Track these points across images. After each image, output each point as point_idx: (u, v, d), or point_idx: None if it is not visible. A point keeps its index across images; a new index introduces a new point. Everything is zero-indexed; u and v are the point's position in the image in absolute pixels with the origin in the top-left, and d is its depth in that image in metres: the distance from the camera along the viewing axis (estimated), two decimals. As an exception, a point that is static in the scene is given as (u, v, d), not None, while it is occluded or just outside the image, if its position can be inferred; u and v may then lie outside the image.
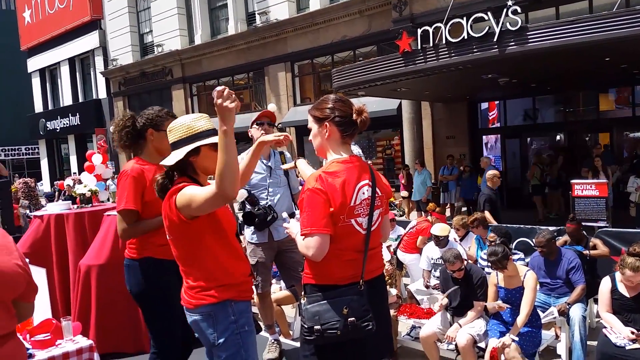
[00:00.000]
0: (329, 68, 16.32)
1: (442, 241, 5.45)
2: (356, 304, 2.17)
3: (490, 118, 14.56)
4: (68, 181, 16.80)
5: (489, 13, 8.80)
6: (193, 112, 20.62)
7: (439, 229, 5.48)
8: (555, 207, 11.81)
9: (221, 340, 2.28)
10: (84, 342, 2.43)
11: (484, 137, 14.56)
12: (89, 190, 4.65)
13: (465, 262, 4.62)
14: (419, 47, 9.30)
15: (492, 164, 11.24)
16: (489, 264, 4.35)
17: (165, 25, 20.64)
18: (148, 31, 22.06)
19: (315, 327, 2.17)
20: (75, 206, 4.69)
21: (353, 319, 2.14)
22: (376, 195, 2.31)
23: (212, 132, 2.30)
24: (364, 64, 10.39)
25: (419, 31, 9.43)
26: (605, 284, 4.12)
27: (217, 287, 2.28)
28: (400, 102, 13.41)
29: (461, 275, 4.55)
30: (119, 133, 2.95)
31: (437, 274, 5.48)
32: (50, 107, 27.74)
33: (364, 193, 2.27)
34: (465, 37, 8.74)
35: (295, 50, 16.68)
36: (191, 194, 2.16)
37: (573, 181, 7.76)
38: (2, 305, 1.69)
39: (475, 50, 8.69)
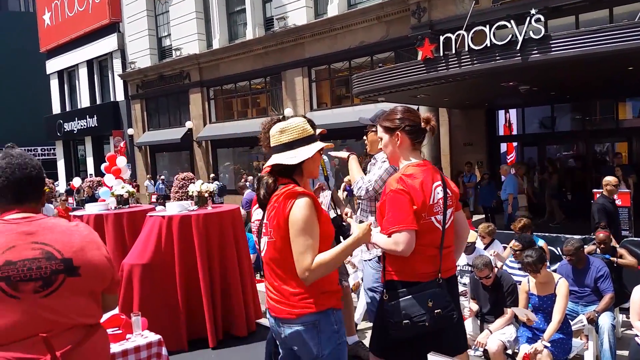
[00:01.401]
0: (346, 74, 16.43)
1: (469, 247, 5.50)
2: (438, 296, 2.31)
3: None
4: (77, 181, 16.90)
5: (512, 21, 8.86)
6: (210, 115, 20.81)
7: (467, 235, 5.51)
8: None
9: (326, 352, 2.21)
10: (152, 336, 2.53)
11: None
12: (126, 192, 4.77)
13: (495, 270, 4.68)
14: (441, 54, 9.37)
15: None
16: (525, 265, 4.39)
17: (183, 29, 20.85)
18: (166, 35, 22.28)
19: (403, 321, 2.30)
20: (113, 207, 4.80)
21: (439, 310, 2.29)
22: (447, 194, 2.47)
23: (317, 137, 2.40)
24: (385, 70, 10.47)
25: (441, 38, 9.51)
26: (637, 293, 4.14)
27: (321, 294, 2.21)
28: (418, 108, 13.44)
29: (489, 282, 4.61)
30: (265, 134, 3.02)
31: (463, 280, 5.52)
32: (67, 109, 28.08)
33: (438, 193, 2.43)
34: (488, 45, 8.80)
35: (313, 56, 16.80)
36: (301, 235, 2.14)
37: (595, 190, 7.78)
38: (94, 297, 1.82)
39: (497, 58, 8.75)
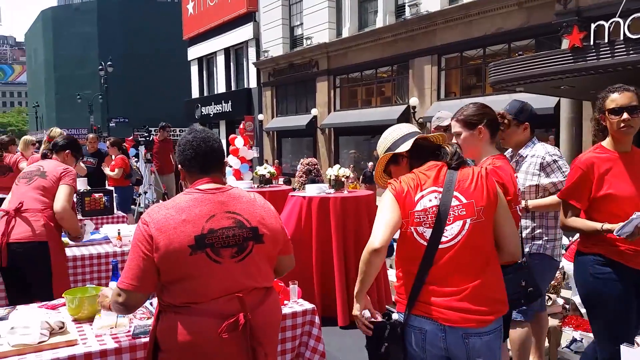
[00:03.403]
0: (479, 62, 15.79)
1: None
2: (527, 276, 2.41)
3: None
4: None
5: (679, 6, 7.94)
6: (335, 103, 21.16)
7: (616, 239, 5.07)
8: None
9: None
10: (307, 304, 2.69)
11: None
12: (268, 172, 5.08)
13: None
14: (591, 43, 8.66)
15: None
16: None
17: (315, 18, 21.35)
18: (298, 24, 22.98)
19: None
20: (256, 186, 5.12)
21: (532, 288, 2.40)
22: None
23: None
24: (526, 59, 9.91)
25: (593, 26, 8.77)
26: None
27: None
28: (559, 100, 12.56)
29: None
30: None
31: None
32: (205, 94, 30.17)
33: (518, 183, 2.73)
34: (648, 34, 7.98)
35: (444, 43, 16.34)
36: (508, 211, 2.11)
37: None
38: (271, 262, 2.01)
39: (659, 47, 7.90)
